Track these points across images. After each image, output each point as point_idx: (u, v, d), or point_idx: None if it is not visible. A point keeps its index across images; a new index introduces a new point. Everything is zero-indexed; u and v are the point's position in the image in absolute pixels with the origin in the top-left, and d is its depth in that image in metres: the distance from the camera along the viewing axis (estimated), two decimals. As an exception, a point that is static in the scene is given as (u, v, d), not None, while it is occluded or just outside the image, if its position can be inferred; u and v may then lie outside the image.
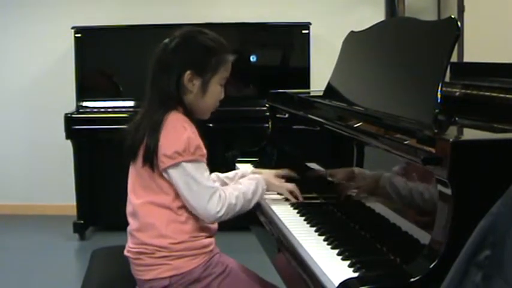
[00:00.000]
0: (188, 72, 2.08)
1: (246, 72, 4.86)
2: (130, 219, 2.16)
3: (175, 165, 2.01)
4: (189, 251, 2.07)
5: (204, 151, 2.07)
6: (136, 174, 2.11)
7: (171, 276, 2.06)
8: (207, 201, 2.02)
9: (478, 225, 1.07)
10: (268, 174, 2.36)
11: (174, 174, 2.03)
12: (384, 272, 1.58)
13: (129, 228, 2.16)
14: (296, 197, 2.32)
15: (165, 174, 2.04)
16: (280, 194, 2.36)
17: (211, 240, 2.15)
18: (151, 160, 2.03)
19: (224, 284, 2.11)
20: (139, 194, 2.11)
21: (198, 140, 2.05)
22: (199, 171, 2.03)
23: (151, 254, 2.07)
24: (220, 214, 2.04)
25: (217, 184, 2.09)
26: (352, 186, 2.09)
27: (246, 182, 2.19)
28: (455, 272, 1.06)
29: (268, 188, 2.28)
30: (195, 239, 2.08)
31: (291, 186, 2.34)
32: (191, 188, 2.02)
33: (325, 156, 2.41)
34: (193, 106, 2.13)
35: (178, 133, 2.02)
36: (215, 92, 2.15)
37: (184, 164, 2.01)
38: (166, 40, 2.15)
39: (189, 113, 2.11)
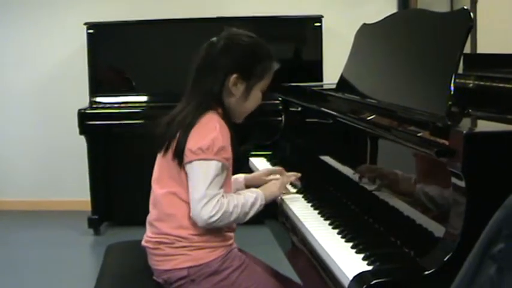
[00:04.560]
0: (235, 75, 2.09)
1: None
2: (151, 209, 2.17)
3: (195, 160, 2.01)
4: (209, 243, 2.08)
5: (229, 154, 2.06)
6: (166, 165, 2.11)
7: (189, 267, 2.06)
8: (203, 204, 1.99)
9: (492, 218, 1.07)
10: (265, 187, 2.28)
11: (191, 169, 2.03)
12: (398, 265, 1.58)
13: (148, 217, 2.17)
14: (296, 179, 2.34)
15: (186, 169, 2.05)
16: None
17: (231, 234, 2.16)
18: (180, 156, 2.04)
19: (241, 277, 2.11)
20: (165, 184, 2.11)
21: (225, 142, 2.04)
22: (214, 173, 2.01)
23: (171, 244, 2.08)
24: (213, 220, 2.00)
25: (221, 190, 2.05)
26: (366, 180, 2.09)
27: (247, 194, 2.15)
28: (470, 264, 1.06)
29: (268, 198, 2.19)
30: (215, 231, 2.08)
31: (285, 179, 2.33)
32: (198, 186, 2.01)
33: (338, 149, 2.41)
34: (232, 109, 2.14)
35: (207, 131, 2.03)
36: (256, 97, 2.17)
37: (202, 161, 2.01)
38: (214, 39, 2.15)
39: (227, 116, 2.11)
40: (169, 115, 2.14)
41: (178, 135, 2.05)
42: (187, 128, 2.04)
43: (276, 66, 2.21)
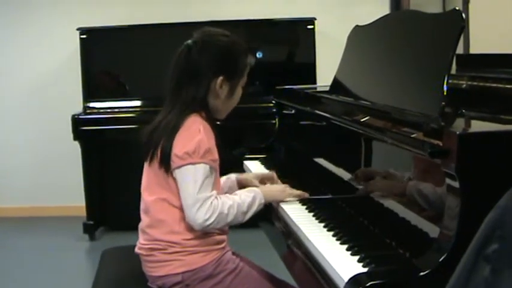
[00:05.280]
0: (221, 78, 2.10)
1: (251, 68, 4.86)
2: (142, 216, 2.17)
3: (183, 166, 2.01)
4: (202, 247, 2.08)
5: (216, 156, 2.06)
6: (153, 173, 2.10)
7: (183, 272, 2.06)
8: (197, 209, 1.99)
9: (485, 219, 1.07)
10: (267, 187, 2.32)
11: (179, 174, 2.03)
12: (393, 267, 1.57)
13: (140, 225, 2.17)
14: (300, 195, 2.28)
15: (174, 174, 2.04)
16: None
17: (224, 237, 2.15)
18: (166, 162, 2.04)
19: (236, 280, 2.11)
20: (154, 191, 2.11)
21: (210, 144, 2.04)
22: (203, 176, 2.01)
23: (164, 250, 2.08)
24: (208, 222, 2.00)
25: (214, 192, 2.05)
26: (361, 182, 2.09)
27: (243, 194, 2.15)
28: (464, 265, 1.06)
29: (268, 198, 2.20)
30: (207, 235, 2.08)
31: (290, 192, 2.28)
32: (188, 191, 2.01)
33: (333, 151, 2.41)
34: (217, 109, 2.15)
35: (191, 135, 2.02)
36: (239, 94, 2.19)
37: (190, 166, 2.00)
38: (189, 42, 2.13)
39: (210, 117, 2.11)
40: (152, 124, 2.13)
41: (162, 142, 2.04)
42: (170, 133, 2.04)
43: (253, 60, 2.23)
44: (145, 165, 2.15)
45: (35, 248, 4.75)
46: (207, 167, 2.02)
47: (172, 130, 2.04)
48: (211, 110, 2.13)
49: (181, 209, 2.05)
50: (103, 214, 4.99)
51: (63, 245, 4.80)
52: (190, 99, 2.08)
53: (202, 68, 2.09)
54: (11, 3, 5.38)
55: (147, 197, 2.14)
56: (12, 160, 5.54)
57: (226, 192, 2.24)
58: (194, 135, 2.02)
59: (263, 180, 2.42)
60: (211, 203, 2.01)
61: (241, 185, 2.39)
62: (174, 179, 2.05)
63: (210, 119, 2.11)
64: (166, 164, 2.04)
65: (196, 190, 1.99)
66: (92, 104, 4.89)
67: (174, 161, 2.02)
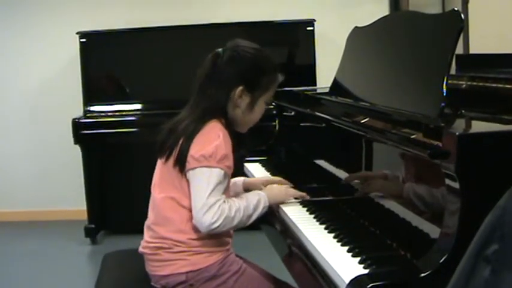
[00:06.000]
0: (240, 88, 2.11)
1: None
2: (149, 213, 2.19)
3: (197, 167, 2.03)
4: (207, 248, 2.09)
5: (231, 163, 2.08)
6: (167, 172, 2.12)
7: (187, 272, 2.07)
8: (204, 212, 2.00)
9: (485, 219, 1.06)
10: (269, 189, 2.32)
11: (192, 176, 2.04)
12: (394, 268, 1.58)
13: (146, 222, 2.19)
14: (302, 196, 2.30)
15: (187, 176, 2.06)
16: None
17: (229, 239, 2.17)
18: (182, 163, 2.05)
19: (239, 281, 2.13)
20: (164, 188, 2.13)
21: (227, 150, 2.05)
22: (216, 181, 2.02)
23: (169, 249, 2.09)
24: (215, 226, 2.01)
25: (222, 196, 2.06)
26: (361, 183, 2.09)
27: (249, 197, 2.16)
28: (464, 266, 1.06)
29: (271, 201, 2.20)
30: (213, 236, 2.09)
31: (292, 192, 2.31)
32: (199, 193, 2.02)
33: (333, 153, 2.41)
34: (235, 120, 2.16)
35: (210, 139, 2.05)
36: (261, 109, 2.19)
37: (205, 169, 2.02)
38: (219, 50, 2.17)
39: (230, 125, 2.13)
40: (171, 122, 2.16)
41: (180, 142, 2.07)
42: (190, 135, 2.06)
43: (280, 78, 2.23)
44: (159, 162, 2.17)
45: (36, 252, 4.75)
46: (222, 172, 2.04)
47: (192, 133, 2.06)
48: (231, 120, 2.15)
49: (189, 209, 2.06)
50: (104, 218, 5.00)
51: (65, 249, 4.80)
52: (211, 105, 2.11)
53: (225, 75, 2.12)
54: (10, 7, 5.38)
55: (156, 194, 2.16)
56: (12, 164, 5.55)
57: (232, 197, 2.25)
58: (213, 140, 2.04)
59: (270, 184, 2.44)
60: (219, 206, 2.02)
61: (248, 190, 2.39)
62: (187, 180, 2.06)
63: (230, 126, 2.13)
64: (181, 164, 2.06)
65: (207, 194, 2.00)
66: (92, 108, 4.89)
67: (190, 162, 2.04)
